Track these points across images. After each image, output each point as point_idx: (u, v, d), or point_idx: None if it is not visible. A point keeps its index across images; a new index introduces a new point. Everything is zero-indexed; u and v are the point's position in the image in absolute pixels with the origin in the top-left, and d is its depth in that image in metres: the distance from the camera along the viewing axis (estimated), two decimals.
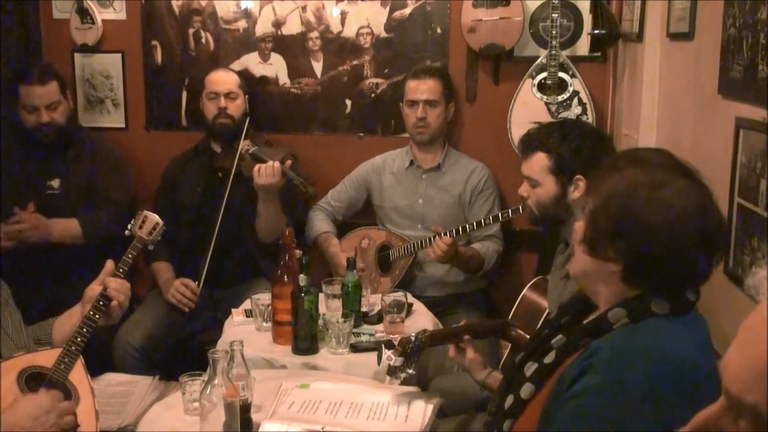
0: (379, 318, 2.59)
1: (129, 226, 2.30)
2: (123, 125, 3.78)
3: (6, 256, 3.07)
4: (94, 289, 2.14)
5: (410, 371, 1.97)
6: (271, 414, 1.89)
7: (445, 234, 2.98)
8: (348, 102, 3.63)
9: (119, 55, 3.73)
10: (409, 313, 2.62)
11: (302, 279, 2.35)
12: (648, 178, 1.39)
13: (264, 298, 2.56)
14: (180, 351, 3.19)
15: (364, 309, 2.64)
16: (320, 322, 2.42)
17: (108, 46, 3.72)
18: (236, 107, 3.34)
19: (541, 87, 3.26)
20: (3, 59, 3.46)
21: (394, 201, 3.39)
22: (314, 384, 2.08)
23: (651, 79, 2.71)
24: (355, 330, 2.45)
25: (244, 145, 3.18)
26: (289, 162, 3.09)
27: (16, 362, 2.01)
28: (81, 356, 2.06)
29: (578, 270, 1.50)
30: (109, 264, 2.17)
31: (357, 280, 2.58)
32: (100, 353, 2.80)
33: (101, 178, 3.36)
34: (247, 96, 3.41)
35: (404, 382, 2.03)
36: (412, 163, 3.38)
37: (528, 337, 2.11)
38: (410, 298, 2.67)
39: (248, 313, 2.65)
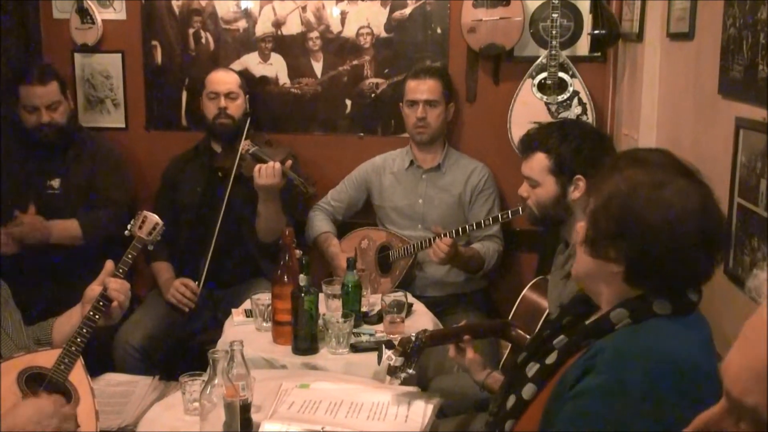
0: (379, 318, 2.59)
1: (129, 227, 2.30)
2: (123, 125, 3.78)
3: (6, 256, 3.07)
4: (94, 290, 2.14)
5: (410, 371, 1.97)
6: (271, 414, 1.89)
7: (445, 235, 2.98)
8: (348, 102, 3.63)
9: (119, 55, 3.73)
10: (409, 313, 2.62)
11: (302, 279, 2.35)
12: (649, 179, 1.39)
13: (264, 298, 2.56)
14: (180, 351, 3.19)
15: (364, 309, 2.64)
16: (320, 322, 2.42)
17: (108, 46, 3.72)
18: (236, 107, 3.34)
19: (541, 87, 3.26)
20: (3, 59, 3.46)
21: (394, 201, 3.39)
22: (314, 384, 2.08)
23: (651, 79, 2.71)
24: (355, 330, 2.45)
25: (244, 145, 3.18)
26: (289, 162, 3.09)
27: (16, 362, 2.01)
28: (81, 356, 2.06)
29: (580, 271, 1.50)
30: (109, 264, 2.17)
31: (357, 280, 2.58)
32: (100, 353, 2.80)
33: (101, 178, 3.36)
34: (247, 96, 3.41)
35: (404, 382, 2.03)
36: (412, 163, 3.38)
37: (528, 337, 2.11)
38: (410, 298, 2.67)
39: (248, 313, 2.65)
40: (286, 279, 2.44)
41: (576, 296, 1.62)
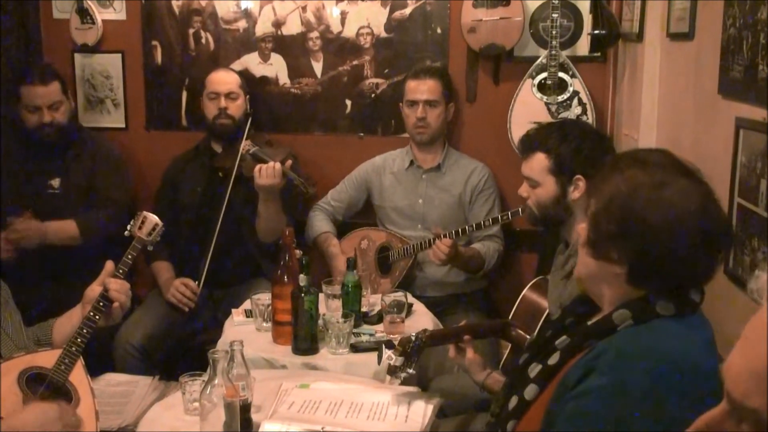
0: (379, 318, 2.60)
1: (129, 227, 2.30)
2: (123, 125, 3.78)
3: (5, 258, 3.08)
4: (94, 290, 2.14)
5: (410, 371, 1.97)
6: (271, 414, 1.89)
7: (445, 236, 2.98)
8: (348, 102, 3.63)
9: (119, 55, 3.73)
10: (409, 313, 2.62)
11: (302, 279, 2.35)
12: (649, 179, 1.38)
13: (264, 298, 2.56)
14: (180, 351, 3.19)
15: (364, 309, 2.64)
16: (320, 322, 2.42)
17: (108, 46, 3.72)
18: (237, 107, 3.34)
19: (541, 87, 3.26)
20: (3, 59, 3.46)
21: (395, 201, 3.39)
22: (314, 384, 2.08)
23: (651, 79, 2.71)
24: (355, 330, 2.45)
25: (245, 145, 3.18)
26: (289, 162, 3.09)
27: (16, 363, 2.01)
28: (81, 357, 2.06)
29: (582, 272, 1.50)
30: (109, 265, 2.17)
31: (357, 280, 2.58)
32: (100, 353, 2.80)
33: (101, 178, 3.36)
34: (248, 96, 3.41)
35: (404, 382, 2.03)
36: (412, 163, 3.38)
37: (528, 337, 2.11)
38: (410, 298, 2.68)
39: (248, 313, 2.65)
40: (286, 279, 2.44)
41: (578, 297, 1.62)
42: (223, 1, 3.62)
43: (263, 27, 3.61)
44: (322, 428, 1.80)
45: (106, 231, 3.18)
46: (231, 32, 3.64)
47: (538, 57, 3.28)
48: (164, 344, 3.15)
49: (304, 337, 2.37)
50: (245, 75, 3.54)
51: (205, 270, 3.18)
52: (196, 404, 1.93)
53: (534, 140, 2.32)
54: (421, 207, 3.35)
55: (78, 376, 2.04)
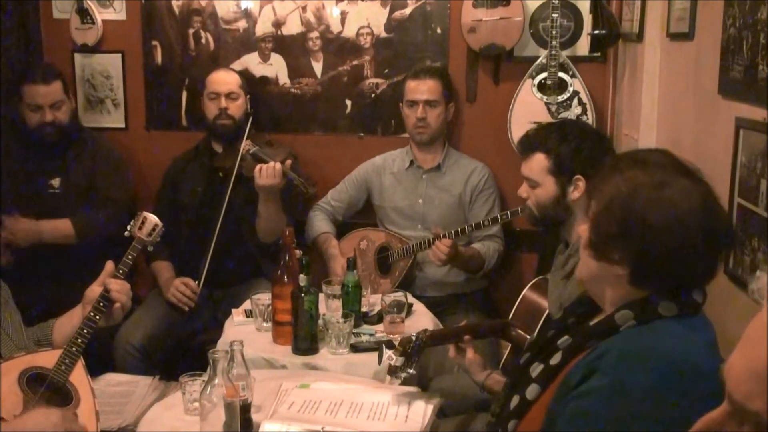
0: (379, 318, 2.60)
1: (129, 227, 2.30)
2: (123, 125, 3.78)
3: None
4: (94, 290, 2.14)
5: (411, 371, 1.97)
6: (271, 414, 1.89)
7: (445, 236, 2.98)
8: (348, 102, 3.63)
9: (119, 55, 3.73)
10: (409, 313, 2.62)
11: (302, 279, 2.35)
12: (649, 179, 1.39)
13: (264, 298, 2.56)
14: (180, 351, 3.19)
15: (364, 309, 2.64)
16: (320, 322, 2.42)
17: (108, 46, 3.72)
18: (237, 107, 3.34)
19: (541, 87, 3.26)
20: (3, 59, 3.46)
21: (395, 201, 3.39)
22: (314, 384, 2.08)
23: (651, 79, 2.71)
24: (355, 330, 2.45)
25: (245, 145, 3.18)
26: (289, 162, 3.09)
27: (16, 363, 2.01)
28: (81, 357, 2.06)
29: (584, 274, 1.50)
30: (109, 265, 2.17)
31: (357, 280, 2.58)
32: (100, 354, 2.80)
33: (101, 178, 3.36)
34: (248, 96, 3.41)
35: (404, 382, 2.03)
36: (412, 163, 3.38)
37: (528, 337, 2.11)
38: (410, 298, 2.68)
39: (248, 313, 2.65)
40: (286, 279, 2.44)
41: (580, 297, 1.62)
42: (223, 1, 3.62)
43: (263, 27, 3.61)
44: (322, 428, 1.80)
45: (104, 231, 3.18)
46: (231, 32, 3.64)
47: (538, 57, 3.28)
48: (164, 344, 3.15)
49: (304, 337, 2.37)
50: (245, 75, 3.54)
51: (205, 270, 3.18)
52: (196, 404, 1.93)
53: (533, 141, 2.32)
54: (421, 207, 3.35)
55: (78, 376, 2.04)
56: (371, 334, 2.49)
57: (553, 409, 1.40)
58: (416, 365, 1.98)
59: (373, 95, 3.60)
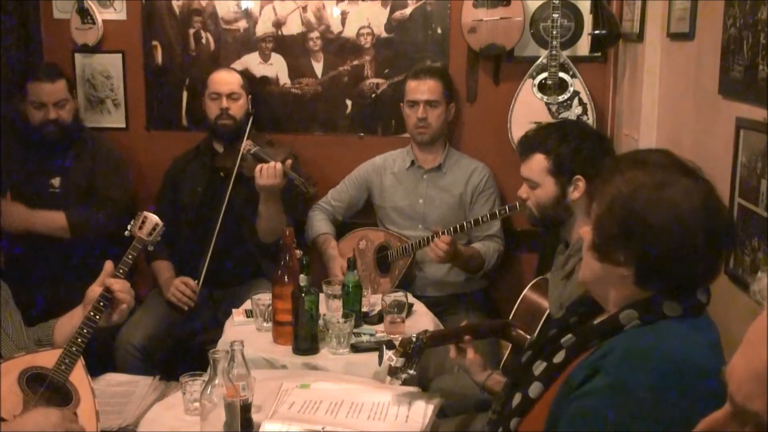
0: (379, 318, 2.60)
1: (129, 227, 2.30)
2: (123, 125, 3.78)
3: (7, 256, 3.08)
4: (95, 291, 2.14)
5: (411, 372, 1.97)
6: (271, 414, 1.89)
7: (444, 233, 2.98)
8: (348, 102, 3.63)
9: (120, 55, 3.73)
10: (409, 313, 2.62)
11: (303, 279, 2.35)
12: (650, 179, 1.39)
13: (264, 298, 2.56)
14: (180, 351, 3.19)
15: (364, 309, 2.64)
16: (321, 322, 2.42)
17: (108, 46, 3.72)
18: (238, 108, 3.34)
19: (542, 87, 3.26)
20: (3, 59, 3.46)
21: (395, 201, 3.39)
22: (315, 384, 2.08)
23: (651, 79, 2.71)
24: (355, 330, 2.45)
25: (245, 145, 3.18)
26: (289, 161, 3.09)
27: (16, 362, 2.01)
28: (81, 357, 2.06)
29: (587, 275, 1.50)
30: (108, 265, 2.17)
31: (357, 280, 2.58)
32: (101, 354, 2.80)
33: (101, 178, 3.36)
34: (249, 96, 3.41)
35: (405, 382, 2.03)
36: (412, 163, 3.38)
37: (528, 337, 2.11)
38: (410, 299, 2.68)
39: (249, 314, 2.65)
40: (286, 279, 2.44)
41: (582, 297, 1.62)
42: (224, 1, 3.62)
43: (264, 27, 3.61)
44: (323, 428, 1.80)
45: (101, 229, 3.18)
46: (231, 32, 3.64)
47: (538, 57, 3.28)
48: (165, 344, 3.15)
49: (305, 337, 2.37)
50: (246, 75, 3.54)
51: (205, 269, 3.18)
52: (197, 404, 1.93)
53: (533, 141, 2.31)
54: (421, 207, 3.35)
55: (78, 376, 2.04)
56: (372, 335, 2.49)
57: (555, 409, 1.40)
58: (416, 366, 1.98)
59: (373, 95, 3.60)
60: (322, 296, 2.54)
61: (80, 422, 1.94)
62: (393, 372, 1.98)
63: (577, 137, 2.27)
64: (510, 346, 2.40)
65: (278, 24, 3.60)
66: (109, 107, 3.78)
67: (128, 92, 3.75)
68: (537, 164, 2.28)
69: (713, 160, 2.02)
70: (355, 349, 2.38)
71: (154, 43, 3.70)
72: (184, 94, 3.73)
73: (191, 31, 3.66)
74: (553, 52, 3.20)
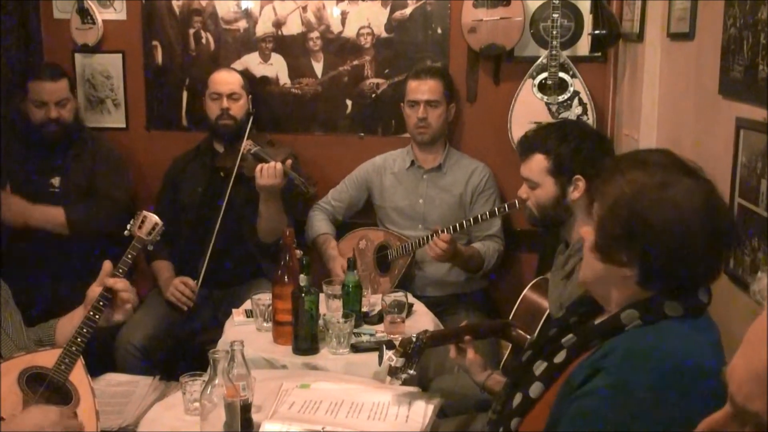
0: (379, 318, 2.60)
1: (128, 227, 2.30)
2: (123, 125, 3.78)
3: (7, 256, 3.07)
4: (95, 291, 2.14)
5: (411, 372, 1.97)
6: (271, 414, 1.89)
7: (443, 231, 2.98)
8: (348, 102, 3.63)
9: (120, 55, 3.73)
10: (409, 313, 2.62)
11: (303, 279, 2.35)
12: (653, 180, 1.39)
13: (264, 298, 2.56)
14: (180, 351, 3.19)
15: (364, 309, 2.64)
16: (321, 322, 2.42)
17: (108, 46, 3.72)
18: (239, 108, 3.34)
19: (542, 87, 3.26)
20: (3, 59, 3.47)
21: (395, 201, 3.39)
22: (315, 384, 2.08)
23: (651, 79, 2.71)
24: (355, 330, 2.45)
25: (246, 145, 3.18)
26: (289, 161, 3.09)
27: (16, 362, 2.01)
28: (81, 356, 2.06)
29: (589, 276, 1.50)
30: (107, 265, 2.17)
31: (357, 280, 2.58)
32: (101, 354, 2.80)
33: (101, 178, 3.36)
34: (250, 96, 3.41)
35: (405, 383, 2.03)
36: (413, 163, 3.38)
37: (528, 337, 2.11)
38: (411, 299, 2.68)
39: (249, 314, 2.65)
40: (286, 279, 2.44)
41: (582, 297, 1.62)
42: (224, 1, 3.62)
43: (264, 27, 3.61)
44: (323, 428, 1.80)
45: (100, 228, 3.18)
46: (231, 32, 3.64)
47: (538, 57, 3.28)
48: (165, 344, 3.15)
49: (305, 337, 2.37)
50: (246, 75, 3.54)
51: (204, 269, 3.18)
52: (197, 404, 1.93)
53: (532, 141, 2.31)
54: (421, 207, 3.35)
55: (78, 375, 2.04)
56: (372, 335, 2.49)
57: (556, 409, 1.40)
58: (416, 366, 1.98)
59: (373, 95, 3.60)
60: (322, 296, 2.54)
61: (80, 421, 1.94)
62: (393, 372, 1.97)
63: (577, 137, 2.27)
64: (510, 346, 2.41)
65: (278, 24, 3.60)
66: (109, 107, 3.78)
67: (128, 92, 3.75)
68: (537, 164, 2.28)
69: (713, 160, 2.02)
70: (355, 349, 2.38)
71: (154, 43, 3.70)
72: (184, 94, 3.73)
73: (191, 31, 3.66)
74: (553, 52, 3.20)
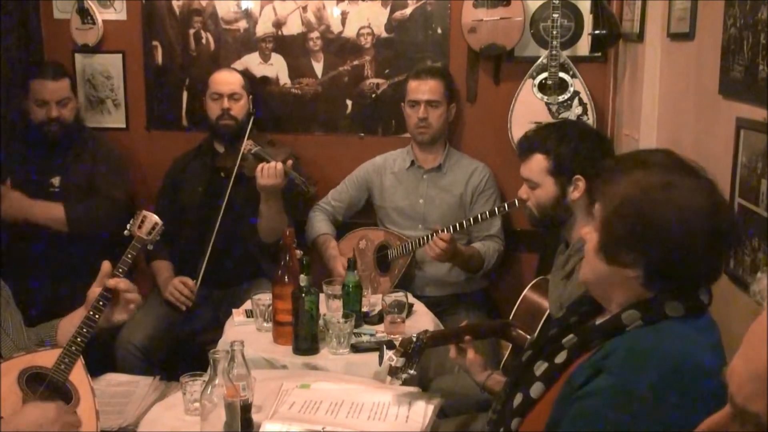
0: (379, 318, 2.60)
1: (128, 226, 2.30)
2: (124, 125, 3.78)
3: (7, 256, 3.08)
4: (95, 291, 2.14)
5: (411, 372, 1.97)
6: (271, 414, 1.89)
7: (443, 230, 2.98)
8: (349, 102, 3.63)
9: (120, 55, 3.73)
10: (409, 313, 2.62)
11: (303, 279, 2.35)
12: (657, 181, 1.39)
13: (265, 298, 2.56)
14: (181, 351, 3.19)
15: (364, 309, 2.64)
16: (321, 322, 2.42)
17: (109, 46, 3.72)
18: (240, 108, 3.34)
19: (542, 87, 3.26)
20: (3, 59, 3.47)
21: (395, 201, 3.39)
22: (315, 384, 2.08)
23: (651, 79, 2.71)
24: (355, 330, 2.45)
25: (246, 145, 3.18)
26: (290, 162, 3.09)
27: (16, 362, 2.01)
28: (81, 356, 2.06)
29: (590, 276, 1.50)
30: (106, 265, 2.17)
31: (357, 280, 2.58)
32: (101, 354, 2.80)
33: (101, 177, 3.36)
34: (251, 96, 3.41)
35: (405, 382, 2.03)
36: (413, 163, 3.39)
37: (528, 337, 2.11)
38: (411, 299, 2.68)
39: (249, 314, 2.65)
40: (286, 279, 2.44)
41: (583, 297, 1.62)
42: (224, 1, 3.62)
43: (264, 27, 3.61)
44: (323, 428, 1.80)
45: (100, 227, 3.18)
46: (231, 32, 3.64)
47: (538, 57, 3.28)
48: (165, 344, 3.15)
49: (305, 338, 2.37)
50: (246, 75, 3.54)
51: (203, 269, 3.18)
52: (197, 404, 1.93)
53: (532, 141, 2.31)
54: (421, 207, 3.35)
55: (78, 375, 2.04)
56: (372, 335, 2.49)
57: (557, 409, 1.40)
58: (417, 366, 1.98)
59: (373, 95, 3.60)
60: (322, 296, 2.54)
61: (78, 418, 1.94)
62: (393, 372, 1.97)
63: (577, 137, 2.27)
64: (510, 346, 2.41)
65: (278, 24, 3.61)
66: (109, 107, 3.78)
67: (128, 92, 3.76)
68: (537, 164, 2.28)
69: (713, 160, 2.02)
70: (356, 349, 2.38)
71: (154, 43, 3.70)
72: (184, 94, 3.73)
73: (191, 31, 3.66)
74: (553, 52, 3.20)
